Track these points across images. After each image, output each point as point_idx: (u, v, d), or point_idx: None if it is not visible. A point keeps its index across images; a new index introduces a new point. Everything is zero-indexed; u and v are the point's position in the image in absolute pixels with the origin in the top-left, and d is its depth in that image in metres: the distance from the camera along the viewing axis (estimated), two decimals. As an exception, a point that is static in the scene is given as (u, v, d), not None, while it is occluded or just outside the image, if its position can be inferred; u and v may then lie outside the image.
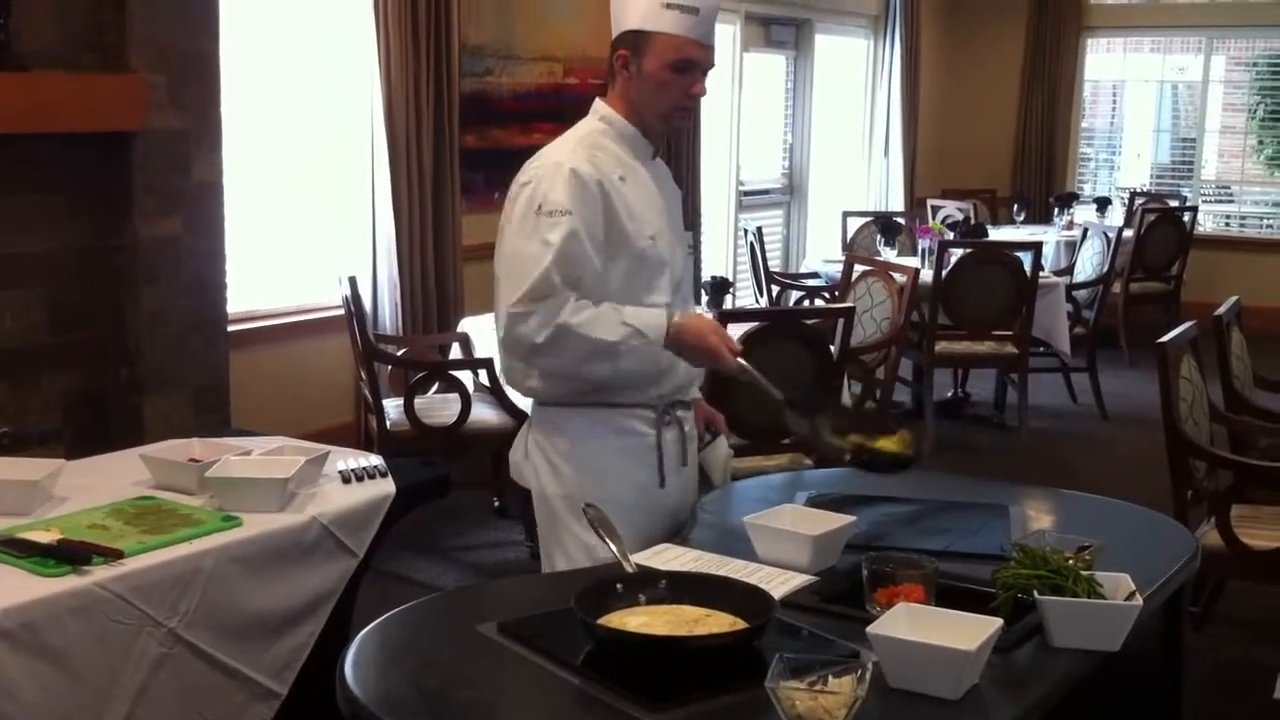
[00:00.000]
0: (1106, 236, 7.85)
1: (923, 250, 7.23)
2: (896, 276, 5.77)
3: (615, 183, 2.58)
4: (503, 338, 2.56)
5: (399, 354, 5.46)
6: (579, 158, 2.56)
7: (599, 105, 2.70)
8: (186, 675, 2.50)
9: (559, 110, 6.73)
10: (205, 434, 3.25)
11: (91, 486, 2.81)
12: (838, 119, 9.88)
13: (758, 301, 7.65)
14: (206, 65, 4.49)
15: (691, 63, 2.60)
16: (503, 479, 5.34)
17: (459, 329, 5.63)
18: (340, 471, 2.96)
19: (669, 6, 2.56)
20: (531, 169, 2.60)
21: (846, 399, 4.90)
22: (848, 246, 8.12)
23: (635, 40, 2.60)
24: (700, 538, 2.49)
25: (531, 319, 2.47)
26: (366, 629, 2.03)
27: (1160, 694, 2.55)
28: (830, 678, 1.69)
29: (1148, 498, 2.89)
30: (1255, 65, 10.90)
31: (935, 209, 9.14)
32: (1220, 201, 11.14)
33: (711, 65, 2.66)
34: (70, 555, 2.36)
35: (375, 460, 3.06)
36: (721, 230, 8.67)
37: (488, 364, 4.90)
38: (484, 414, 4.99)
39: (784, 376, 4.35)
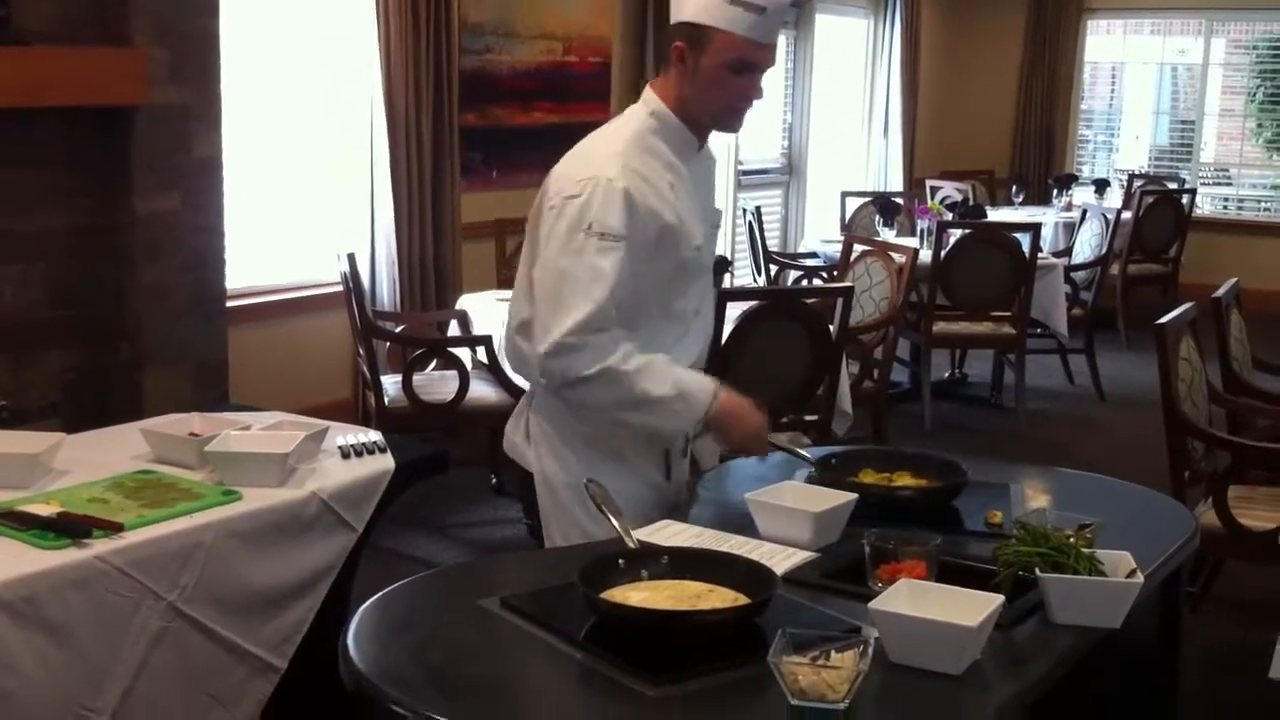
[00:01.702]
0: (1105, 218, 7.84)
1: (921, 231, 7.22)
2: (895, 257, 5.77)
3: (665, 192, 2.48)
4: (544, 363, 2.44)
5: (397, 331, 5.45)
6: (631, 173, 2.43)
7: (649, 95, 2.56)
8: (186, 649, 2.51)
9: (559, 89, 6.72)
10: (204, 409, 3.25)
11: (91, 460, 2.81)
12: (837, 99, 9.85)
13: (756, 281, 7.65)
14: (207, 41, 4.49)
15: (751, 64, 2.45)
16: (500, 457, 5.33)
17: (457, 306, 5.61)
18: (339, 447, 2.95)
19: (734, 3, 2.40)
20: (580, 180, 2.43)
21: (848, 404, 4.85)
22: (846, 226, 8.11)
23: (693, 34, 2.44)
24: (700, 515, 2.49)
25: (584, 352, 2.39)
26: (368, 603, 2.02)
27: (1157, 673, 2.56)
28: (832, 653, 1.69)
29: (1145, 479, 2.88)
30: (1255, 48, 10.88)
31: (934, 189, 9.14)
32: (1219, 184, 11.13)
33: (771, 64, 2.50)
34: (70, 528, 2.36)
35: (374, 436, 3.05)
36: (720, 210, 8.64)
37: (486, 341, 4.90)
38: (482, 391, 4.99)
39: (781, 357, 4.44)
